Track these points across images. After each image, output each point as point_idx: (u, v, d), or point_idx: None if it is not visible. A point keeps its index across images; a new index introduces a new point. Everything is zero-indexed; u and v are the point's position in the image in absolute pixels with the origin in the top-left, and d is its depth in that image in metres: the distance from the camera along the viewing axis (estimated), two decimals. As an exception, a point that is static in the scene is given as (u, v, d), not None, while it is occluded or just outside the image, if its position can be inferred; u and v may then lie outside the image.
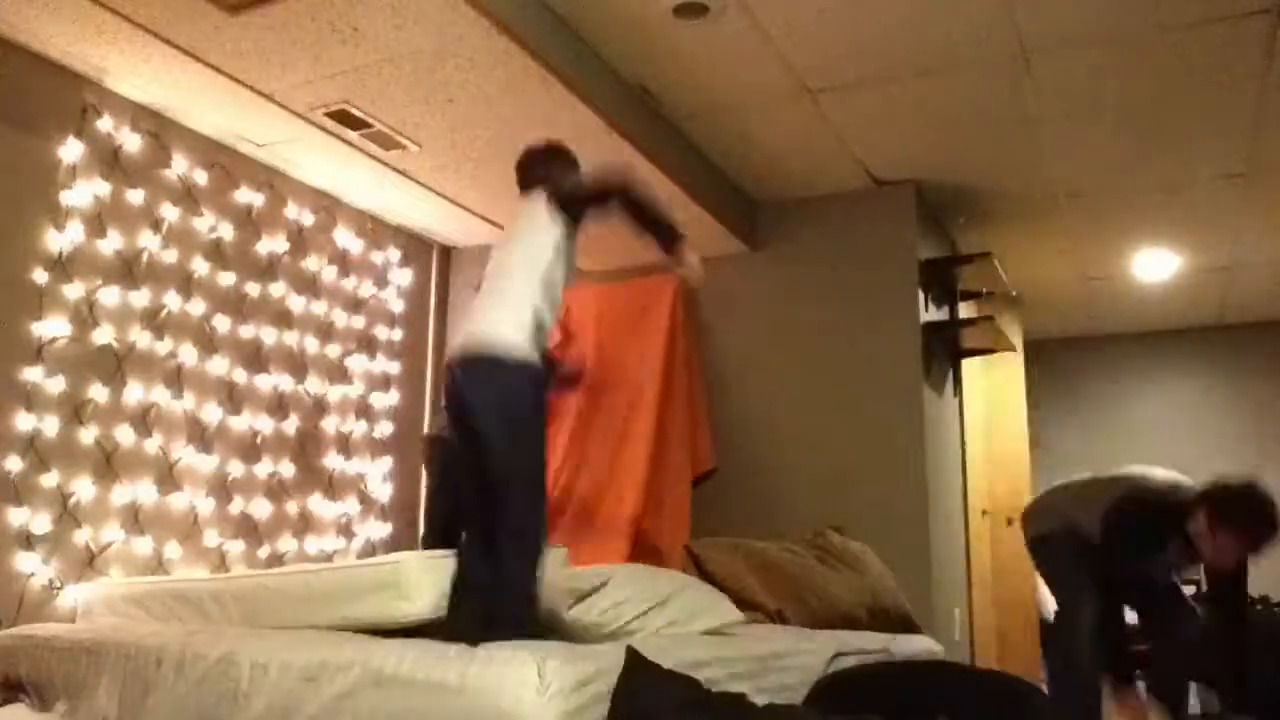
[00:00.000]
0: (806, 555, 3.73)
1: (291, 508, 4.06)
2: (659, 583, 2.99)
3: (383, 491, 4.54)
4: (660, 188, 3.97)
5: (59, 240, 3.34)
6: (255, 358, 4.00)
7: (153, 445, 3.54)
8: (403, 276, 4.89)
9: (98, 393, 3.39)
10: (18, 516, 3.14)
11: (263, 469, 3.95)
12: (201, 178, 3.84)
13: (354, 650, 2.17)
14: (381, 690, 2.05)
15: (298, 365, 4.19)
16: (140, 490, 3.48)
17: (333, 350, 4.39)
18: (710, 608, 3.07)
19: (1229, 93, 3.71)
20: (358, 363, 4.51)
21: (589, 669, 1.99)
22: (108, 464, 3.39)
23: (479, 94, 3.29)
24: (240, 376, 3.92)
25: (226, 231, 3.94)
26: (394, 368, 4.73)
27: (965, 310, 5.07)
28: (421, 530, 4.44)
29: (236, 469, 3.84)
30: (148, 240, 3.63)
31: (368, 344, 4.59)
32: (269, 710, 2.16)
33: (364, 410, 4.50)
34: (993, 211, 4.86)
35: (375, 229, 4.72)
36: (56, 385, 3.28)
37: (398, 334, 4.81)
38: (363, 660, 2.12)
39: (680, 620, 2.85)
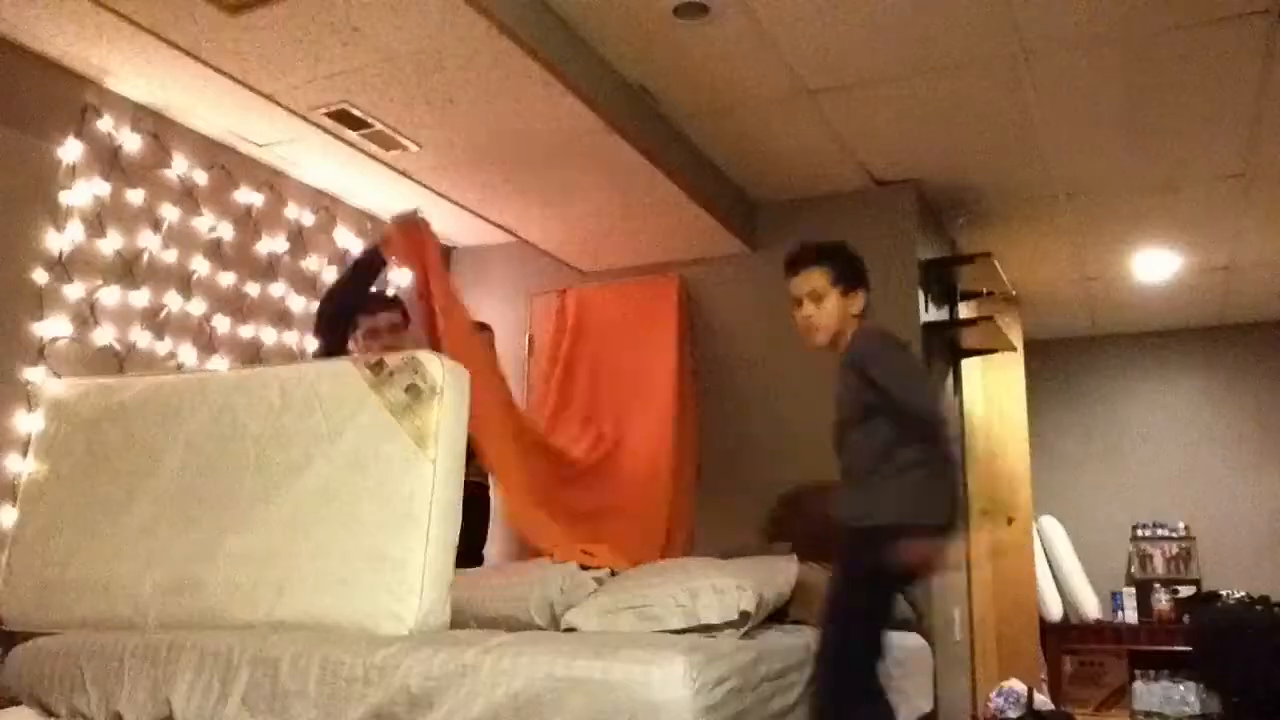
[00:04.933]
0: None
1: (291, 508, 4.06)
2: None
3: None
4: (660, 188, 3.98)
5: (59, 240, 3.34)
6: (255, 358, 4.00)
7: (153, 445, 3.54)
8: (403, 276, 4.89)
9: (98, 393, 3.38)
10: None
11: (263, 469, 3.95)
12: (201, 178, 3.85)
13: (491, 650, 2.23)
14: (531, 686, 2.11)
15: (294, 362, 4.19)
16: (140, 490, 3.48)
17: (333, 350, 4.39)
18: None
19: (1229, 93, 3.71)
20: (358, 363, 4.51)
21: (725, 667, 2.18)
22: (108, 464, 3.38)
23: (479, 94, 3.29)
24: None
25: (226, 231, 3.94)
26: (394, 368, 4.72)
27: (965, 310, 5.07)
28: None
29: (236, 469, 3.84)
30: (148, 240, 3.63)
31: (368, 344, 4.59)
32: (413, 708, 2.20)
33: (364, 410, 4.50)
34: (993, 211, 4.86)
35: (375, 229, 4.72)
36: (57, 385, 3.28)
37: (398, 334, 4.81)
38: (511, 657, 2.18)
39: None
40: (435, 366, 2.61)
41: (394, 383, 2.62)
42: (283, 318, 4.16)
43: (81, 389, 3.18)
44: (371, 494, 2.57)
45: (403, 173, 3.94)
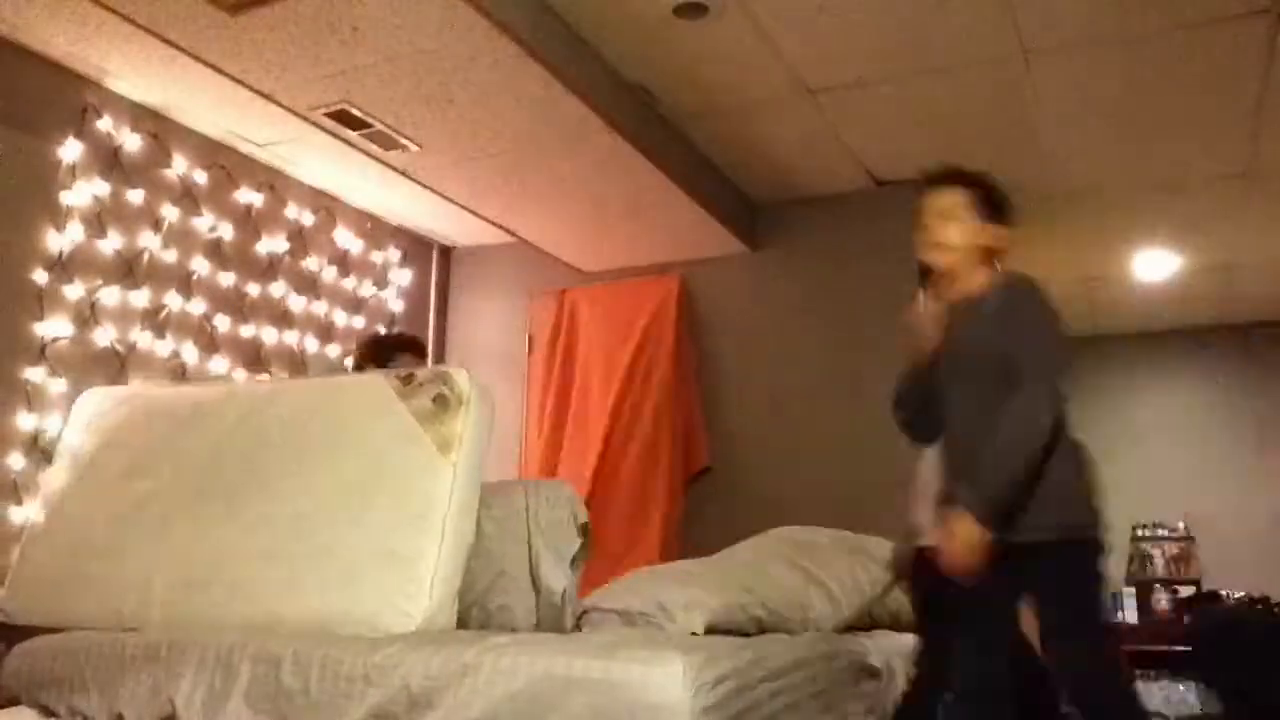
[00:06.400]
0: None
1: (292, 508, 4.07)
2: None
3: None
4: (660, 188, 3.98)
5: (59, 240, 3.34)
6: (255, 358, 4.00)
7: (153, 445, 3.54)
8: (403, 276, 4.89)
9: (98, 393, 3.39)
10: (19, 515, 3.14)
11: (263, 469, 3.96)
12: (201, 178, 3.85)
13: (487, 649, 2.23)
14: (532, 686, 2.11)
15: (298, 365, 4.19)
16: (140, 490, 3.48)
17: (333, 350, 4.39)
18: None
19: (1229, 93, 3.71)
20: (358, 363, 4.51)
21: (725, 667, 2.16)
22: (108, 464, 3.39)
23: (479, 94, 3.29)
24: (241, 377, 3.92)
25: (226, 231, 3.94)
26: (394, 368, 4.73)
27: (965, 310, 5.06)
28: None
29: (237, 469, 3.85)
30: (148, 240, 3.63)
31: (368, 344, 4.59)
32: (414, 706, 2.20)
33: (364, 410, 4.50)
34: (993, 211, 4.85)
35: (375, 229, 4.72)
36: (58, 385, 3.28)
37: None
38: (511, 657, 2.18)
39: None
40: (463, 380, 2.67)
41: (422, 393, 2.68)
42: (283, 318, 4.16)
43: (114, 397, 3.22)
44: (388, 494, 2.60)
45: (403, 173, 3.95)
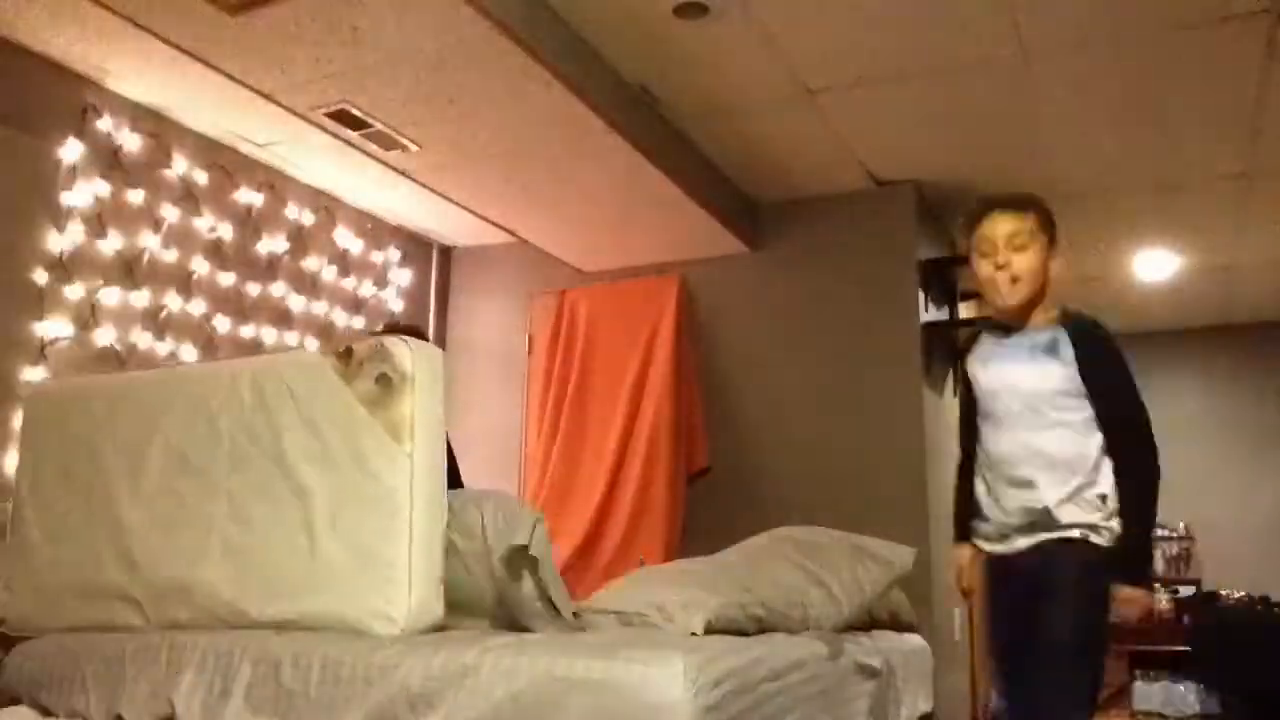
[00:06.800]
0: None
1: (292, 508, 4.06)
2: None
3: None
4: (660, 188, 3.98)
5: (59, 241, 3.34)
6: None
7: (153, 445, 3.54)
8: (402, 276, 4.89)
9: (98, 393, 3.38)
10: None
11: (263, 469, 3.95)
12: (201, 178, 3.85)
13: (489, 650, 2.22)
14: (533, 686, 2.11)
15: (298, 365, 4.19)
16: (140, 490, 3.48)
17: (333, 350, 4.39)
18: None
19: (1229, 93, 3.71)
20: (358, 363, 4.51)
21: (725, 667, 2.16)
22: (108, 464, 3.38)
23: (479, 94, 3.29)
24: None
25: (226, 231, 3.94)
26: (394, 368, 4.73)
27: (965, 310, 5.06)
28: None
29: (237, 469, 3.84)
30: (148, 240, 3.63)
31: (368, 344, 4.60)
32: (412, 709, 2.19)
33: (364, 410, 4.50)
34: (993, 211, 4.85)
35: (375, 229, 4.72)
36: (57, 385, 3.28)
37: (398, 334, 4.81)
38: (511, 657, 2.17)
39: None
40: (404, 354, 2.46)
41: (364, 374, 2.49)
42: (283, 318, 4.16)
43: (59, 389, 3.14)
44: (351, 493, 2.48)
45: (403, 173, 3.95)
